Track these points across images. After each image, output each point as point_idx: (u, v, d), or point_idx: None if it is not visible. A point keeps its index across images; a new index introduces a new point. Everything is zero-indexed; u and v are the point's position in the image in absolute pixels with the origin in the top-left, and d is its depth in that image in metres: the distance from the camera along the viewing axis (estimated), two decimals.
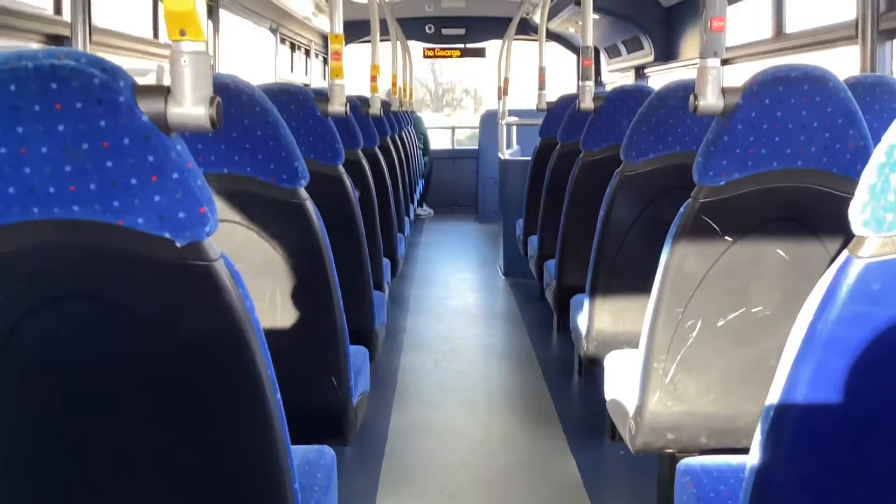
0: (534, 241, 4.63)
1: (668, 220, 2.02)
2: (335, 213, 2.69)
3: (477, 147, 9.58)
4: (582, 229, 3.23)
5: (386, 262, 3.92)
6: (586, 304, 2.93)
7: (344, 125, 3.26)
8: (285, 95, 2.52)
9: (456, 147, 11.15)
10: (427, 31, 9.77)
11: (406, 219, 5.80)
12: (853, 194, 1.05)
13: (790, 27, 4.29)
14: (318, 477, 1.66)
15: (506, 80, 7.06)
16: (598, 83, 8.70)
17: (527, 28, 8.65)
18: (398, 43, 7.44)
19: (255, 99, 1.87)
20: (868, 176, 1.03)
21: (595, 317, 2.89)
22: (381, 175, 4.19)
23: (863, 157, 1.82)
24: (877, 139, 1.07)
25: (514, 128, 7.24)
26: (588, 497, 2.65)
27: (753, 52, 4.74)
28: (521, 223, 5.22)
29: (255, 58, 6.86)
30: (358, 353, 2.54)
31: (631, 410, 2.16)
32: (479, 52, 10.28)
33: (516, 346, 4.45)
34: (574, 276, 3.41)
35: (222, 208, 1.93)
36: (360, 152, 3.47)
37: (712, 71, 1.86)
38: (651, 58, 6.81)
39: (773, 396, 1.16)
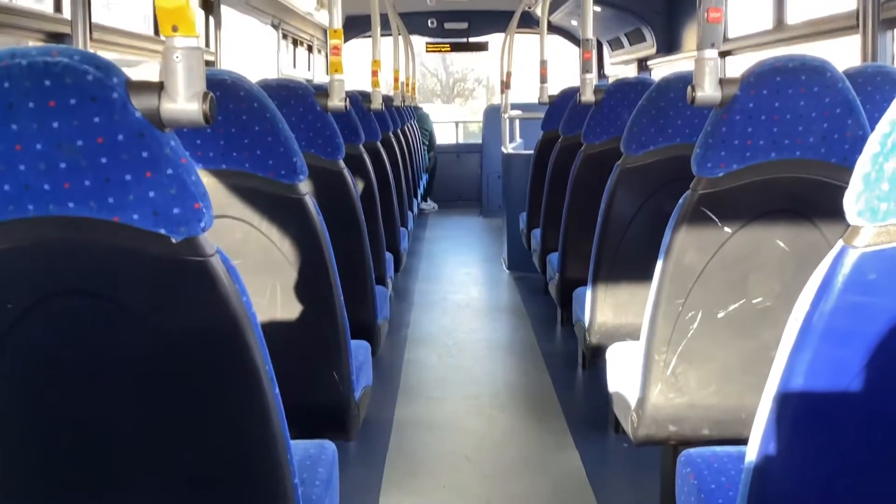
0: (537, 234, 4.62)
1: (668, 212, 2.02)
2: (336, 208, 2.69)
3: (480, 141, 9.57)
4: (584, 222, 3.23)
5: (389, 256, 3.92)
6: (588, 296, 2.92)
7: (345, 120, 3.26)
8: (285, 91, 2.52)
9: (466, 141, 11.13)
10: (429, 25, 9.75)
11: (409, 213, 5.80)
12: None
13: (791, 18, 4.28)
14: (319, 471, 1.67)
15: (508, 73, 7.06)
16: (601, 76, 8.69)
17: (529, 21, 8.63)
18: (400, 38, 7.43)
19: (253, 94, 1.88)
20: (862, 165, 1.03)
21: (597, 309, 2.89)
22: (384, 170, 4.19)
23: (861, 146, 1.81)
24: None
25: (518, 121, 7.23)
26: (592, 489, 2.66)
27: (754, 42, 4.73)
28: (524, 217, 5.22)
29: (259, 54, 6.87)
30: (360, 347, 2.55)
31: (633, 403, 2.16)
32: (482, 46, 10.27)
33: (520, 339, 4.45)
34: (576, 269, 3.41)
35: (222, 204, 1.93)
36: (361, 147, 3.47)
37: (710, 62, 1.85)
38: (653, 50, 6.80)
39: (771, 387, 1.16)
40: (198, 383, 1.22)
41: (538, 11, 6.84)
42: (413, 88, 9.51)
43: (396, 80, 6.92)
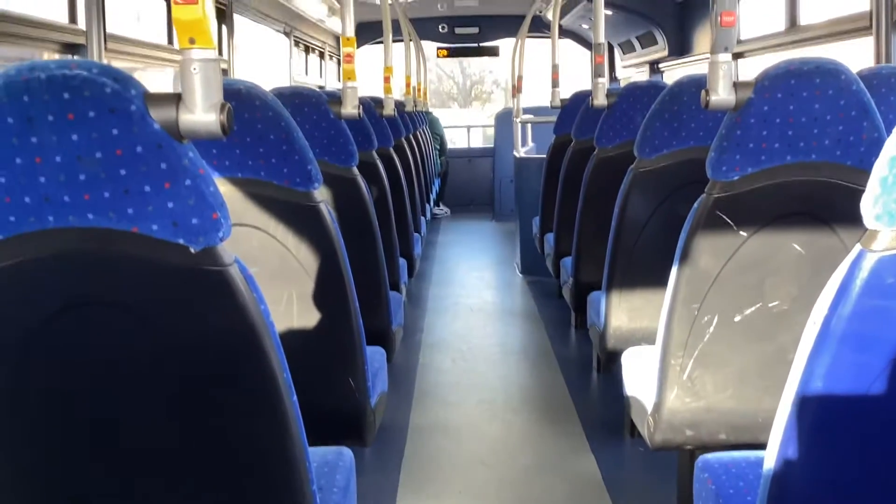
0: (550, 238, 4.62)
1: (683, 216, 2.02)
2: (350, 215, 2.70)
3: (493, 145, 9.58)
4: (597, 226, 3.22)
5: (403, 262, 3.93)
6: (603, 301, 2.92)
7: (358, 127, 3.27)
8: (298, 99, 2.54)
9: (483, 145, 11.13)
10: (440, 30, 9.78)
11: (422, 218, 5.81)
12: None
13: (804, 19, 4.27)
14: (336, 478, 1.67)
15: (519, 78, 7.06)
16: (613, 79, 8.68)
17: (540, 25, 8.63)
18: (411, 43, 7.45)
19: (267, 103, 1.89)
20: (879, 169, 1.03)
21: (612, 314, 2.89)
22: (396, 175, 4.20)
23: (877, 149, 1.80)
24: (892, 131, 1.06)
25: (529, 126, 7.23)
26: (608, 495, 2.65)
27: (767, 44, 4.72)
28: (537, 221, 5.21)
29: (272, 61, 6.90)
30: (375, 353, 2.55)
31: (649, 407, 2.15)
32: (493, 51, 10.27)
33: (534, 344, 4.45)
34: (590, 273, 3.41)
35: (238, 212, 1.94)
36: (374, 153, 3.48)
37: (723, 66, 1.85)
38: (665, 52, 6.79)
39: (789, 392, 1.16)
40: (216, 391, 1.23)
41: (549, 16, 6.84)
42: (424, 94, 9.52)
43: (408, 85, 6.93)
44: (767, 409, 2.02)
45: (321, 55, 8.34)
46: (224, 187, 1.92)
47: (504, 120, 8.96)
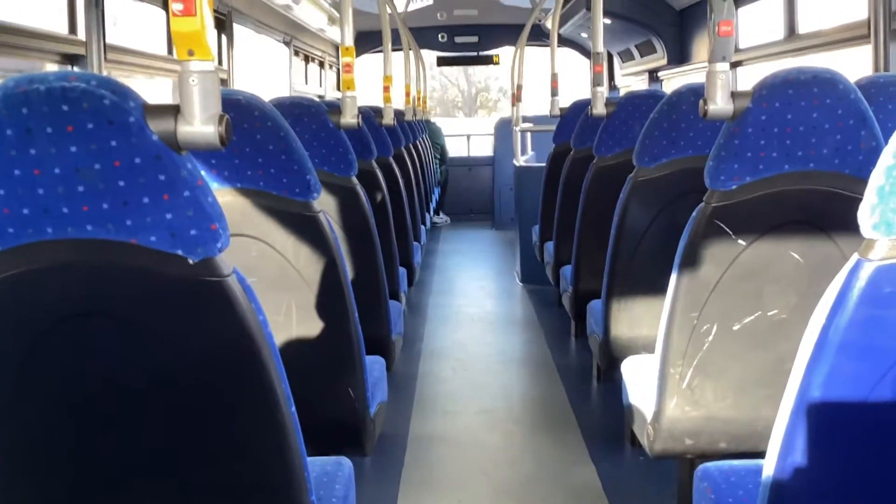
0: (549, 247, 4.62)
1: (682, 225, 2.02)
2: (350, 224, 2.70)
3: (492, 154, 9.59)
4: (597, 235, 3.23)
5: (402, 271, 3.93)
6: (602, 309, 2.92)
7: (357, 136, 3.28)
8: (298, 109, 2.54)
9: (478, 154, 11.14)
10: (440, 39, 9.79)
11: (422, 227, 5.81)
12: None
13: (802, 28, 4.28)
14: (336, 488, 1.67)
15: (519, 86, 7.07)
16: (612, 87, 8.69)
17: (539, 34, 8.65)
18: (411, 52, 7.46)
19: (266, 114, 1.89)
20: (876, 178, 1.03)
21: (611, 322, 2.89)
22: (396, 184, 4.20)
23: (875, 157, 1.80)
24: (889, 140, 1.06)
25: (529, 134, 7.23)
26: (608, 503, 2.64)
27: (766, 53, 4.73)
28: (537, 229, 5.22)
29: (272, 70, 6.91)
30: (375, 363, 2.55)
31: (649, 416, 2.15)
32: (492, 60, 10.29)
33: (534, 353, 4.44)
34: (590, 282, 3.41)
35: (237, 222, 1.94)
36: (373, 163, 3.49)
37: (721, 75, 1.85)
38: (664, 61, 6.80)
39: (788, 401, 1.16)
40: (215, 402, 1.23)
41: (548, 24, 6.86)
42: (424, 102, 9.53)
43: (408, 94, 6.94)
44: (767, 418, 2.01)
45: (321, 64, 8.36)
46: (223, 198, 1.92)
47: (504, 129, 8.97)
